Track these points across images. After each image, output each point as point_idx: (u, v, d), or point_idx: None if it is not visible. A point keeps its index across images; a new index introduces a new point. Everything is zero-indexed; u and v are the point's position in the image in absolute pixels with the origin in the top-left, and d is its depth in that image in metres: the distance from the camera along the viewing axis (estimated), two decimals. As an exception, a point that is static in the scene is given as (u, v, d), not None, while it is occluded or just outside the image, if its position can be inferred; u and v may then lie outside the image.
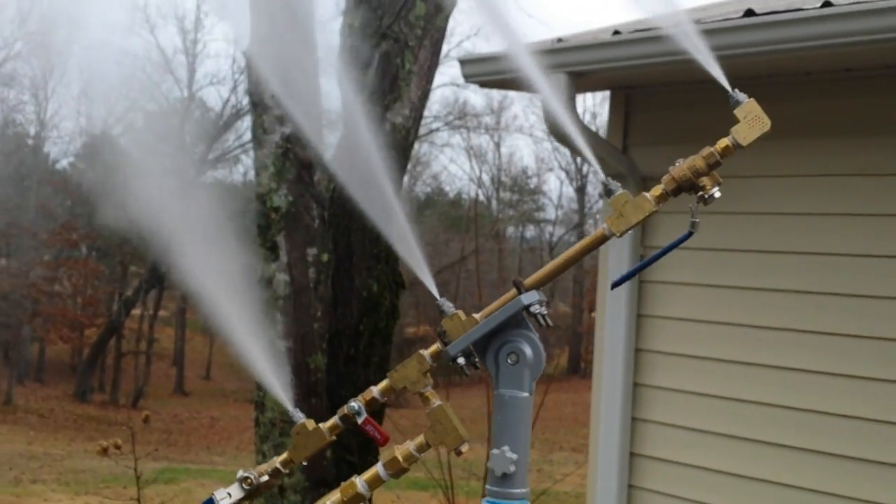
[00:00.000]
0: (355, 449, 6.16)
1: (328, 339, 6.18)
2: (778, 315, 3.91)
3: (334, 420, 1.31)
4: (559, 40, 3.93)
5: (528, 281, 1.25)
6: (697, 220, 1.20)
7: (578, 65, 3.85)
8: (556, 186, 39.75)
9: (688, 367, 4.23)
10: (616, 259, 4.36)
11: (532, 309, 1.22)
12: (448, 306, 1.27)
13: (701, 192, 1.21)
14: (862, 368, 3.67)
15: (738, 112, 1.26)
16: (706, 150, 1.25)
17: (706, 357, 4.17)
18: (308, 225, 5.75)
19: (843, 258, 3.74)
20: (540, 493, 12.11)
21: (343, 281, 6.31)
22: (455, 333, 1.25)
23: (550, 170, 34.95)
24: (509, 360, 1.21)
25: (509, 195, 33.12)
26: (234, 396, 27.96)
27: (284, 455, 1.31)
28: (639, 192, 4.68)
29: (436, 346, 1.27)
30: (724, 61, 4.02)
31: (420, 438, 1.26)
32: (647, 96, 4.35)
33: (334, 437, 1.30)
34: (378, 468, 1.27)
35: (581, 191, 31.16)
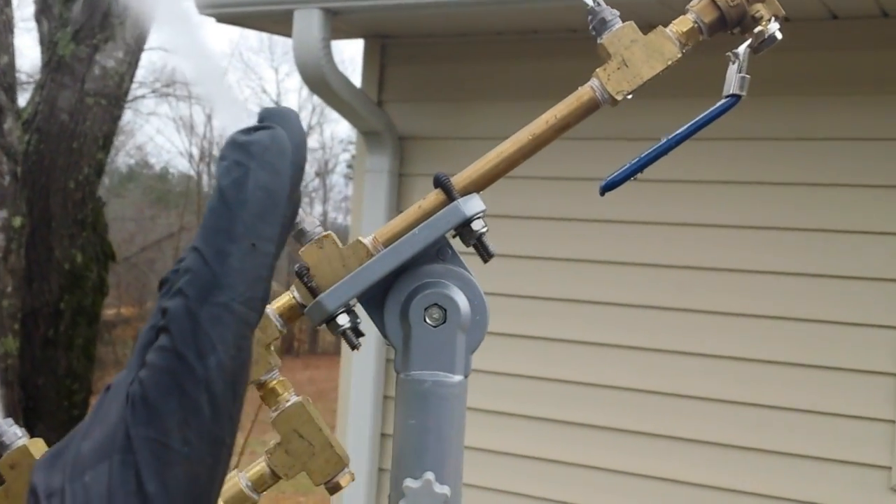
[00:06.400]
0: None
1: (21, 318, 5.26)
2: (523, 282, 3.72)
3: None
4: (313, -29, 3.45)
5: (461, 178, 0.72)
6: (747, 75, 0.73)
7: None
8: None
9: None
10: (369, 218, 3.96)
11: (474, 226, 0.68)
12: (311, 224, 0.66)
13: (760, 28, 0.72)
14: (601, 335, 3.56)
15: None
16: None
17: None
18: (-4, 182, 4.81)
19: (580, 223, 3.61)
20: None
21: (40, 250, 5.39)
22: (328, 273, 0.67)
23: (265, 145, 34.17)
24: (428, 320, 0.63)
25: (221, 170, 31.83)
26: None
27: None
28: (396, 152, 4.18)
29: (288, 297, 0.66)
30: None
31: (260, 466, 0.68)
32: (403, 48, 3.99)
33: None
34: None
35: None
